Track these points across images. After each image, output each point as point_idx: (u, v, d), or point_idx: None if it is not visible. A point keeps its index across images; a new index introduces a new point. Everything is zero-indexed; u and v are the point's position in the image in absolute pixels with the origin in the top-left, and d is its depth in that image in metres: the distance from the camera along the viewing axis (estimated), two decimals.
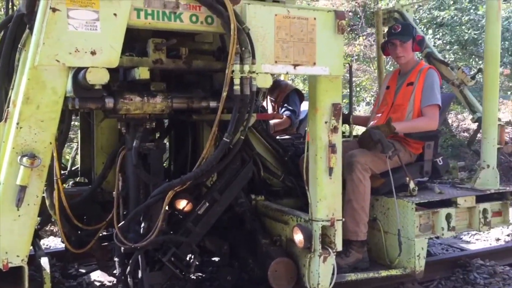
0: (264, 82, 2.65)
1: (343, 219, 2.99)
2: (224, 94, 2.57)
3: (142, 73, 2.55)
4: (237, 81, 2.54)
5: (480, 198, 3.46)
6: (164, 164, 3.87)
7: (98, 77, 2.25)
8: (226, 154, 2.80)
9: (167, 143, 3.86)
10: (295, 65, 2.71)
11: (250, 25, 2.56)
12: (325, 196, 2.90)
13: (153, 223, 2.76)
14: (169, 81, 3.02)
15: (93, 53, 2.24)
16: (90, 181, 3.63)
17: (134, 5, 2.33)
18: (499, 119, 3.63)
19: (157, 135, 3.37)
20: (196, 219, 2.95)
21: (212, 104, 2.88)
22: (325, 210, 2.90)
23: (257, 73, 2.59)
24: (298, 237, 2.95)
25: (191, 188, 2.92)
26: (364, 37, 11.00)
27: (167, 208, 2.89)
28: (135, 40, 2.79)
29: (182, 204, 3.02)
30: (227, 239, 3.36)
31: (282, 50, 2.67)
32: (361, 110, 12.58)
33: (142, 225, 2.81)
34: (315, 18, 2.73)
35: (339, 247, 2.93)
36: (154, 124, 2.83)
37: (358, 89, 12.22)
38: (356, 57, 11.77)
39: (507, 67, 12.52)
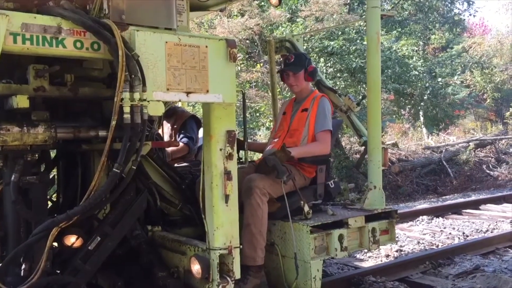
0: (156, 110, 2.59)
1: (241, 245, 2.98)
2: (114, 123, 2.47)
3: (21, 101, 2.37)
4: (127, 109, 2.46)
5: (369, 218, 3.63)
6: (53, 197, 3.63)
7: None
8: (118, 185, 2.67)
9: (56, 175, 3.61)
10: (188, 93, 2.69)
11: (139, 52, 2.50)
12: (222, 223, 2.87)
13: (35, 263, 2.54)
14: (55, 110, 2.84)
15: None
16: None
17: (10, 29, 2.17)
18: (383, 142, 3.88)
19: (43, 167, 3.14)
20: (85, 256, 2.77)
21: (102, 133, 2.75)
22: (222, 238, 2.87)
23: (148, 101, 2.53)
24: (196, 267, 2.89)
25: (83, 221, 2.75)
26: (262, 64, 11.33)
27: (55, 245, 2.69)
28: (15, 67, 2.60)
29: (71, 240, 2.83)
30: (122, 275, 3.19)
31: (174, 78, 2.64)
32: (262, 134, 12.89)
33: (23, 266, 2.57)
34: (206, 46, 2.74)
35: (238, 275, 2.91)
36: (37, 155, 2.63)
37: (257, 114, 12.52)
38: (255, 83, 12.07)
39: (391, 93, 13.61)
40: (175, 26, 2.83)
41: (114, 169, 2.49)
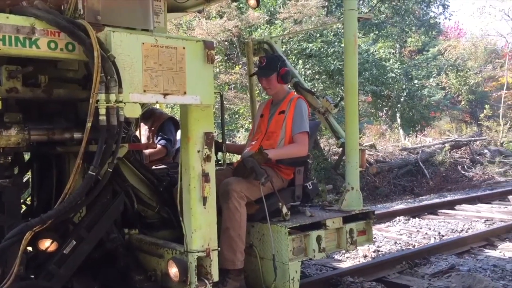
0: (132, 111, 2.56)
1: (219, 248, 2.97)
2: (89, 125, 2.43)
3: None
4: (102, 111, 2.43)
5: (347, 219, 3.66)
6: (27, 201, 3.56)
7: None
8: (93, 188, 2.63)
9: (30, 178, 3.54)
10: (165, 94, 2.67)
11: (116, 53, 2.47)
12: (200, 226, 2.86)
13: (9, 268, 2.48)
14: (29, 111, 2.79)
15: None
16: None
17: None
18: (361, 144, 3.91)
19: (16, 170, 3.07)
20: (60, 260, 2.72)
21: (77, 135, 2.71)
22: (200, 240, 2.86)
23: (124, 103, 2.50)
24: (173, 270, 2.86)
25: (57, 225, 2.70)
26: (240, 66, 11.34)
27: (30, 249, 2.63)
28: None
29: (46, 244, 2.78)
30: (98, 279, 3.15)
31: (151, 79, 2.62)
32: (241, 136, 12.89)
33: None
34: (184, 48, 2.73)
35: (216, 277, 2.89)
36: (9, 158, 2.57)
37: (236, 116, 12.51)
38: (234, 85, 12.07)
39: (369, 95, 13.78)
40: (152, 27, 2.81)
41: (89, 172, 2.46)
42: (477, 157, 14.95)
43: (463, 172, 13.68)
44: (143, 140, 4.56)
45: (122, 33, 2.53)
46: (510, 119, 20.66)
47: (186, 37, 3.25)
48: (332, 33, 11.73)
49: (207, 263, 2.87)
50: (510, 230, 6.37)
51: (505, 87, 21.88)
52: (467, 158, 14.72)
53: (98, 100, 2.42)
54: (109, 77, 2.41)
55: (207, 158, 2.86)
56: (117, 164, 3.17)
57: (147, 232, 3.48)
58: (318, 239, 3.43)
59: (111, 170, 2.62)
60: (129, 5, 2.72)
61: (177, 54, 2.71)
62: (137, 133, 4.36)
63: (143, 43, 2.58)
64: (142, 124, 4.62)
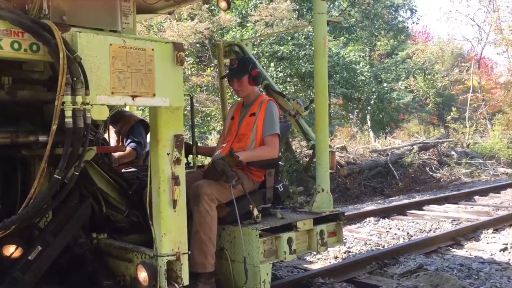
0: (100, 114, 2.51)
1: (189, 251, 2.95)
2: (54, 127, 2.38)
3: None
4: (68, 113, 2.37)
5: (317, 221, 3.68)
6: None
7: None
8: (59, 192, 2.57)
9: None
10: (133, 96, 2.63)
11: (82, 54, 2.42)
12: (170, 229, 2.83)
13: None
14: None
15: None
16: None
17: None
18: (331, 146, 3.95)
19: None
20: (25, 266, 2.64)
21: (42, 138, 2.65)
22: (170, 244, 2.82)
23: (91, 105, 2.45)
24: (143, 275, 2.82)
25: (22, 230, 2.63)
26: (212, 68, 11.30)
27: None
28: None
29: (10, 250, 2.70)
30: (65, 284, 3.08)
31: (119, 81, 2.57)
32: (213, 138, 12.85)
33: None
34: (153, 49, 2.69)
35: (186, 281, 2.86)
36: None
37: (208, 118, 12.47)
38: (205, 87, 12.03)
39: (339, 97, 13.94)
40: (120, 28, 2.77)
41: (55, 175, 2.40)
42: (445, 159, 15.32)
43: (431, 173, 13.99)
44: (112, 143, 4.49)
45: (89, 34, 2.48)
46: (475, 121, 21.25)
47: (155, 38, 3.22)
48: (303, 36, 11.84)
49: (177, 267, 2.84)
50: (476, 229, 6.53)
51: (471, 90, 22.50)
52: (434, 160, 15.06)
53: (64, 102, 2.36)
54: (75, 79, 2.36)
55: (177, 161, 2.84)
56: (85, 168, 3.11)
57: (116, 236, 3.42)
58: (289, 241, 3.44)
59: (77, 174, 2.57)
60: (97, 5, 2.68)
61: (146, 55, 2.68)
62: (106, 135, 4.30)
63: (111, 44, 2.53)
64: (111, 127, 4.55)
